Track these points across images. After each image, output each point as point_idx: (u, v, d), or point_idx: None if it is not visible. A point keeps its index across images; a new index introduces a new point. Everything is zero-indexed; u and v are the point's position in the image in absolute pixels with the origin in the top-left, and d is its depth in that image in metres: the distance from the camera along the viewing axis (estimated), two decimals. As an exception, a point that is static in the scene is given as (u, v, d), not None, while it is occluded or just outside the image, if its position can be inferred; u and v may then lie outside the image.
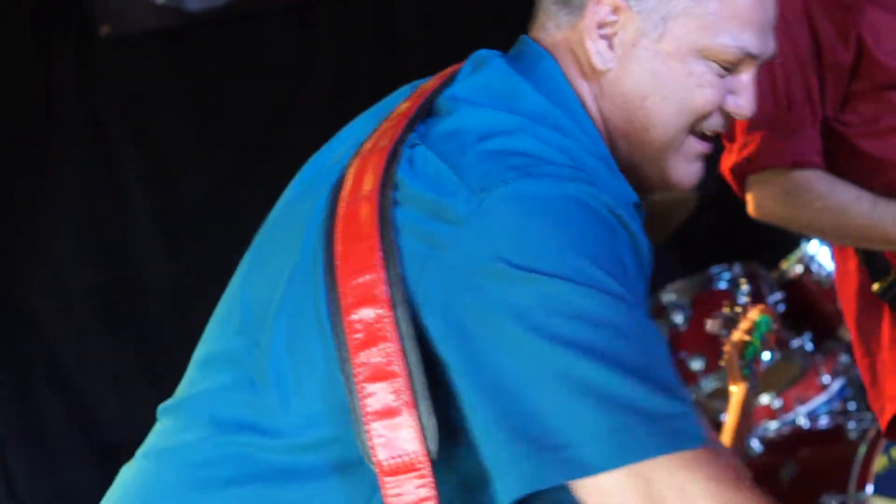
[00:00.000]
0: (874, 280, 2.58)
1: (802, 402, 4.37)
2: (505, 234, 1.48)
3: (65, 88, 4.70)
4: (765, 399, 4.30)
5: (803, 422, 4.22)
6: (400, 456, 1.48)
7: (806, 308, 4.26)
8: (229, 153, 4.97)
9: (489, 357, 1.47)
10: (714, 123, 1.71)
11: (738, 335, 2.46)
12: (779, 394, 4.30)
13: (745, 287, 4.11)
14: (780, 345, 4.11)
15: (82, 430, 4.61)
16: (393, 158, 1.56)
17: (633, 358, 1.46)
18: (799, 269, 4.26)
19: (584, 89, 1.69)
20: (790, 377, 4.26)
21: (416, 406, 1.47)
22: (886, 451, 3.81)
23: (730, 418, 2.31)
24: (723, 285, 4.18)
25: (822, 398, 4.39)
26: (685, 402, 1.49)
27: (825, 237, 2.61)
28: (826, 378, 4.37)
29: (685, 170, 1.73)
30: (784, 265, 4.31)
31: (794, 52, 2.52)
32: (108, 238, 4.77)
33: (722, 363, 2.41)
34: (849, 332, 3.95)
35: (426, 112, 1.64)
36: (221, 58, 5.09)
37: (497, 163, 1.52)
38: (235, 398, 1.63)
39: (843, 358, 4.36)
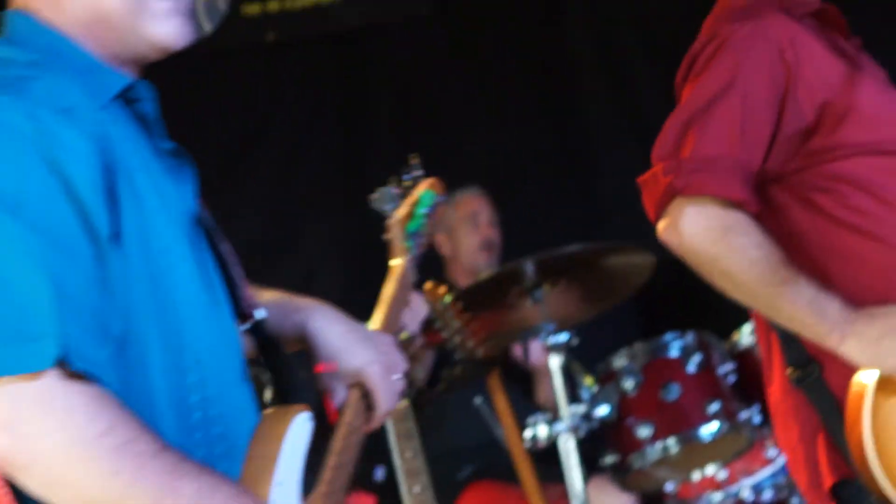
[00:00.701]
0: (789, 364, 2.50)
1: (748, 474, 4.36)
2: None
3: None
4: (710, 470, 4.29)
5: (747, 494, 4.22)
6: None
7: (756, 380, 4.24)
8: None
9: None
10: None
11: (402, 210, 2.43)
12: (724, 465, 4.29)
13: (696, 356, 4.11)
14: (729, 416, 4.10)
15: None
16: None
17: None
18: (750, 340, 4.26)
19: (49, 17, 1.85)
20: (737, 449, 4.25)
21: None
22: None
23: (387, 290, 2.31)
24: (674, 353, 4.17)
25: (767, 472, 4.37)
26: (47, 324, 1.60)
27: (738, 290, 2.39)
28: (772, 452, 4.36)
29: (164, 29, 1.88)
30: (736, 336, 4.31)
31: (768, 96, 2.45)
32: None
33: (396, 243, 2.39)
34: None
35: None
36: (187, 88, 5.12)
37: None
38: None
39: (791, 433, 4.35)
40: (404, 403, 3.49)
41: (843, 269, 2.46)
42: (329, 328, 2.11)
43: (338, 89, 5.58)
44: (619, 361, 4.20)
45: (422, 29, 5.64)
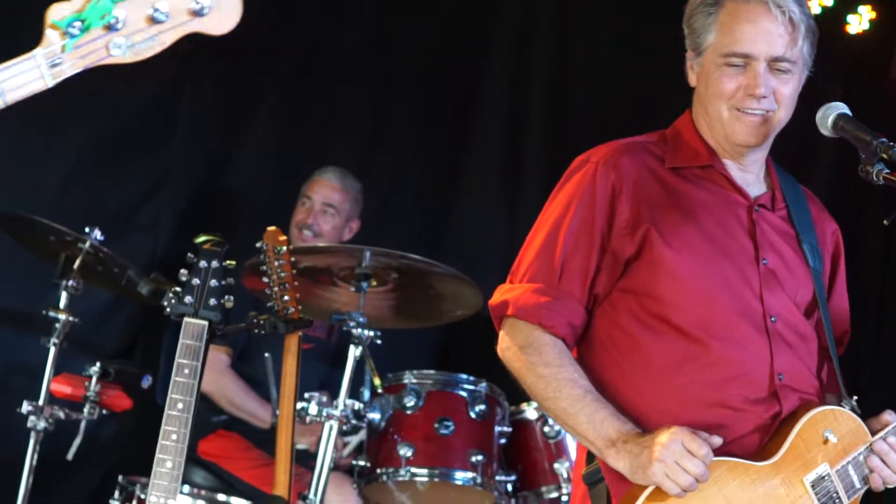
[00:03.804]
0: (588, 462, 2.68)
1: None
2: None
3: None
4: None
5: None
6: None
7: (522, 454, 4.34)
8: None
9: None
10: None
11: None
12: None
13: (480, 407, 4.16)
14: (487, 472, 4.15)
15: None
16: None
17: None
18: (534, 415, 4.35)
19: None
20: (480, 504, 4.30)
21: None
22: None
23: None
24: (461, 392, 4.24)
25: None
26: None
27: (535, 399, 2.70)
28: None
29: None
30: (523, 406, 4.38)
31: (590, 228, 2.70)
32: None
33: None
34: (550, 491, 4.02)
35: None
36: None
37: None
38: None
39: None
40: (204, 324, 3.45)
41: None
42: None
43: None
44: (409, 378, 4.24)
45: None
